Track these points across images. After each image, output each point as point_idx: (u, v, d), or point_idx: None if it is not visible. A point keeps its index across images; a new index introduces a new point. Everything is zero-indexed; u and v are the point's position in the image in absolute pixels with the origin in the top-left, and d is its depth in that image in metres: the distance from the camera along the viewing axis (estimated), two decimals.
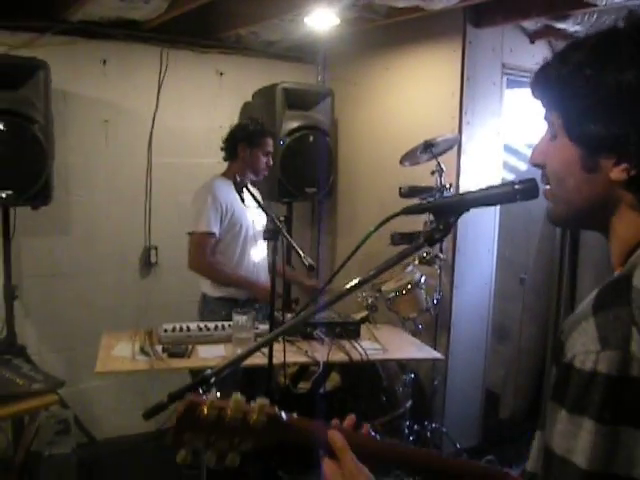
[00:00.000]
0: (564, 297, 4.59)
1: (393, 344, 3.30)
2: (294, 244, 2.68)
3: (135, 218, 4.25)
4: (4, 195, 3.25)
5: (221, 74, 4.48)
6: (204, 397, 1.04)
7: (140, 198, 4.25)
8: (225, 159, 3.59)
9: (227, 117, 4.52)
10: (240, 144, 3.48)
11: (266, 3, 3.69)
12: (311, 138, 4.25)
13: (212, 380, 1.53)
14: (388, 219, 1.27)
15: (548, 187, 1.01)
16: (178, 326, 3.11)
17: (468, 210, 1.20)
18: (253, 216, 3.47)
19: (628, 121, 0.86)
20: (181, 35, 4.20)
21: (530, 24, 3.88)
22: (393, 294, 3.55)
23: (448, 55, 3.85)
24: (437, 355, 3.41)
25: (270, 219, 2.61)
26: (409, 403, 3.54)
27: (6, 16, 3.58)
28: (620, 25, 0.90)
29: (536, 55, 4.03)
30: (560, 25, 3.54)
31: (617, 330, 0.78)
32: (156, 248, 4.33)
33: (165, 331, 3.04)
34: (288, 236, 2.67)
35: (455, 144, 3.68)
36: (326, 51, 4.64)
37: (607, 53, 0.88)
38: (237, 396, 1.04)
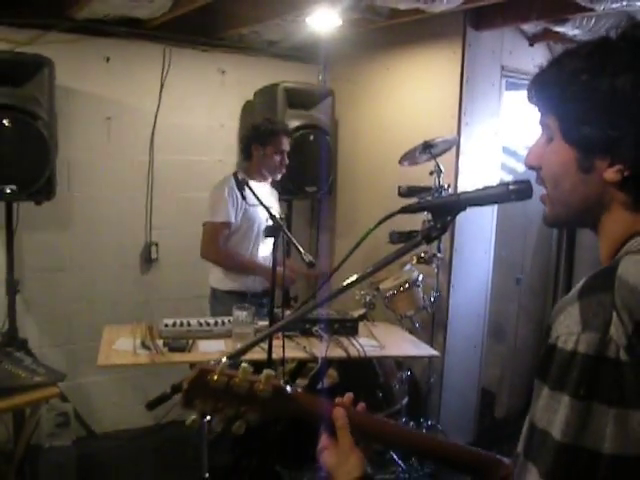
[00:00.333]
0: (560, 297, 4.62)
1: (390, 341, 3.34)
2: (294, 241, 2.73)
3: (136, 214, 4.29)
4: (8, 190, 3.29)
5: (223, 73, 4.52)
6: (215, 366, 1.09)
7: (141, 195, 4.30)
8: (244, 159, 3.70)
9: (229, 115, 4.58)
10: (253, 144, 3.57)
11: (268, 4, 3.73)
12: (312, 137, 4.30)
13: None
14: (387, 217, 1.32)
15: (544, 191, 1.05)
16: (178, 321, 3.15)
17: (465, 209, 1.25)
18: (264, 213, 3.53)
19: (622, 124, 0.91)
20: (184, 34, 4.23)
21: (529, 27, 3.93)
22: (391, 292, 3.60)
23: (448, 56, 3.89)
24: (434, 352, 3.45)
25: (271, 216, 2.66)
26: (405, 400, 3.58)
27: (11, 13, 3.62)
28: (613, 34, 0.95)
29: (535, 58, 4.08)
30: (559, 28, 3.58)
31: (599, 314, 0.83)
32: (157, 244, 4.36)
33: (166, 326, 3.08)
34: (289, 233, 2.71)
35: (454, 145, 3.72)
36: (327, 51, 4.68)
37: (602, 60, 0.93)
38: (245, 365, 1.09)
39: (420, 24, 3.79)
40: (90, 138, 4.09)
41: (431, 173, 3.60)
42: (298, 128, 4.23)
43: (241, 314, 2.96)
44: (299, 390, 1.15)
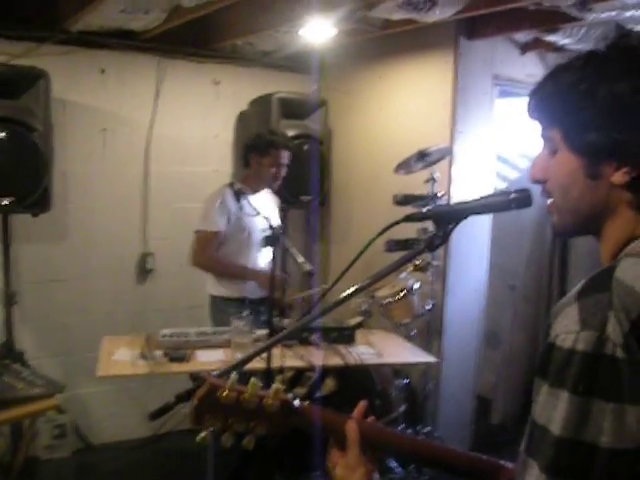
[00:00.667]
0: (554, 304, 4.66)
1: (388, 349, 3.36)
2: (293, 250, 2.74)
3: (132, 225, 4.30)
4: (5, 202, 3.29)
5: (217, 83, 4.54)
6: (225, 381, 1.10)
7: (137, 206, 4.31)
8: (244, 166, 3.71)
9: (223, 126, 4.59)
10: (252, 153, 3.58)
11: (262, 15, 3.76)
12: (306, 147, 4.32)
13: None
14: (391, 226, 1.34)
15: (551, 200, 1.07)
16: (177, 331, 3.16)
17: (466, 218, 1.27)
18: (261, 223, 3.55)
19: (625, 127, 0.94)
20: (178, 45, 4.25)
21: (521, 36, 3.97)
22: (387, 300, 3.61)
23: (441, 66, 3.93)
24: (431, 359, 3.47)
25: (270, 226, 2.68)
26: (403, 407, 3.60)
27: (6, 25, 3.64)
28: (602, 46, 0.99)
29: (526, 66, 4.12)
30: (550, 38, 3.63)
31: (596, 314, 0.87)
32: (152, 255, 4.37)
33: (164, 336, 3.09)
34: (288, 243, 2.73)
35: (448, 154, 3.75)
36: (320, 61, 4.71)
37: (597, 69, 0.97)
38: (254, 380, 1.10)
39: (413, 34, 3.83)
40: (85, 150, 4.10)
41: (427, 181, 3.63)
42: (292, 138, 4.24)
43: (240, 323, 2.97)
44: (306, 404, 1.16)
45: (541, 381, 0.89)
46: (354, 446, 1.14)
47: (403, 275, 3.72)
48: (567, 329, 0.88)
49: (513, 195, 1.20)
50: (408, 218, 1.38)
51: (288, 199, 4.28)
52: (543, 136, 1.06)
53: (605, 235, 1.03)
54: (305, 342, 3.23)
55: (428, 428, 3.86)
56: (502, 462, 1.20)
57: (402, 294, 3.60)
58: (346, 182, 4.78)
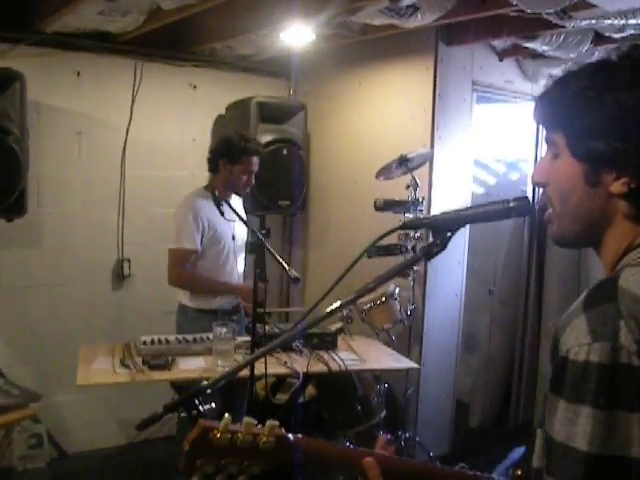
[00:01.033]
0: (531, 308, 4.71)
1: (370, 355, 3.35)
2: (277, 256, 2.72)
3: (108, 230, 4.23)
4: None
5: (194, 87, 4.49)
6: (216, 422, 1.03)
7: (113, 210, 4.23)
8: (209, 171, 3.56)
9: (200, 130, 4.55)
10: (222, 160, 3.43)
11: (242, 18, 3.72)
12: (285, 151, 4.29)
13: (208, 391, 1.57)
14: (387, 234, 1.33)
15: (549, 210, 1.08)
16: (157, 338, 3.11)
17: (464, 226, 1.27)
18: (235, 229, 3.49)
19: (628, 137, 0.94)
20: (155, 48, 4.20)
21: (499, 43, 4.01)
22: (368, 305, 3.60)
23: (420, 72, 3.94)
24: (413, 365, 3.47)
25: (252, 232, 2.65)
26: (383, 413, 3.59)
27: None
28: (614, 56, 0.99)
29: (505, 72, 4.16)
30: (528, 44, 3.66)
31: (606, 324, 0.86)
32: (129, 260, 4.31)
33: (144, 343, 3.04)
34: (272, 249, 2.70)
35: (429, 159, 3.76)
36: (299, 65, 4.69)
37: (606, 78, 0.97)
38: (249, 419, 1.04)
39: (393, 40, 3.83)
40: (60, 153, 4.02)
41: (407, 187, 3.63)
42: (270, 142, 4.22)
43: (222, 330, 2.93)
44: (299, 437, 1.10)
45: (556, 397, 0.88)
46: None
47: None
48: (578, 342, 0.87)
49: (512, 203, 1.19)
50: (405, 226, 1.37)
51: (266, 204, 4.24)
52: (547, 139, 1.07)
53: (604, 246, 1.03)
54: (287, 349, 3.20)
55: (408, 434, 3.86)
56: (489, 476, 1.18)
57: (383, 299, 3.60)
58: (325, 187, 4.76)
